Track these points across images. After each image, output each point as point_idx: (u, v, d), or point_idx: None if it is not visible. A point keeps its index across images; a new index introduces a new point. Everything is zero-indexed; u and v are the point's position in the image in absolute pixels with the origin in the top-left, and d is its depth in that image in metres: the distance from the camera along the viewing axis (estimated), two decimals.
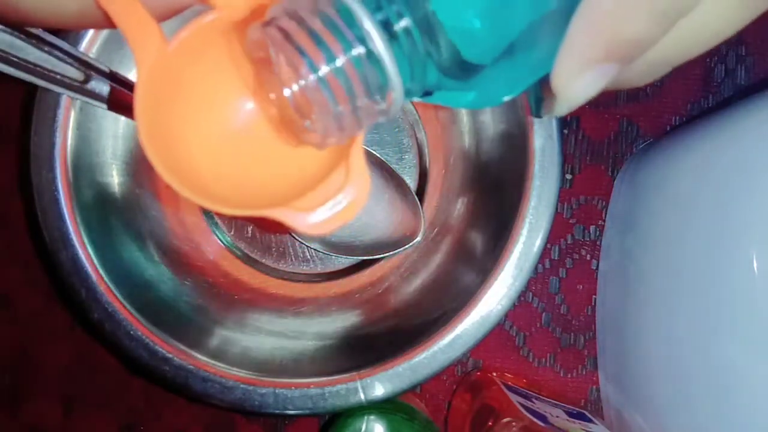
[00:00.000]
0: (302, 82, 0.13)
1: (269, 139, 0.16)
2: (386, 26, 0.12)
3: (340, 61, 0.12)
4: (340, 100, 0.13)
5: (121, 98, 0.22)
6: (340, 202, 0.15)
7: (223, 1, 0.14)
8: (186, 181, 0.15)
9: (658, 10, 0.13)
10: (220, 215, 0.34)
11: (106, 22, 0.14)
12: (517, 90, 0.15)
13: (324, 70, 0.12)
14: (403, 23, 0.13)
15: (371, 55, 0.12)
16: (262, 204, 0.15)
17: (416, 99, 0.14)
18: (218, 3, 0.14)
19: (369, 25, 0.12)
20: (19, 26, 0.16)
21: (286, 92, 0.13)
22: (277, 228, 0.32)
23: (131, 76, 0.30)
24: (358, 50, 0.12)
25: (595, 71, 0.14)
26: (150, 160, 0.14)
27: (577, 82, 0.14)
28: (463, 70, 0.14)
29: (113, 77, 0.22)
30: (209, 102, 0.16)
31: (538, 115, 0.16)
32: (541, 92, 0.16)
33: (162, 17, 0.15)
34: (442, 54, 0.13)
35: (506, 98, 0.15)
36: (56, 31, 0.20)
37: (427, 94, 0.14)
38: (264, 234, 0.35)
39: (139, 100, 0.14)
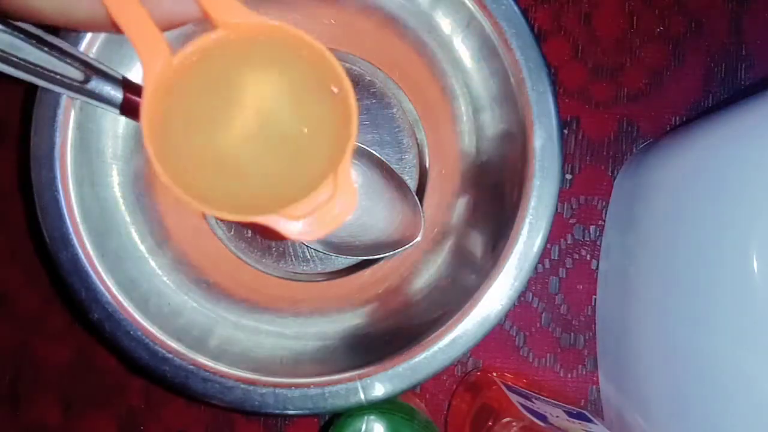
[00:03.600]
0: None
1: (264, 154, 0.17)
2: None
3: None
4: None
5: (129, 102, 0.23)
6: (327, 213, 0.16)
7: (224, 21, 0.15)
8: (185, 186, 0.16)
9: None
10: (220, 218, 0.34)
11: (114, 28, 0.15)
12: None
13: None
14: None
15: None
16: (255, 211, 0.16)
17: None
18: (220, 22, 0.15)
19: None
20: (26, 22, 0.16)
21: None
22: (274, 235, 0.32)
23: (131, 76, 0.30)
24: None
25: None
26: (152, 164, 0.15)
27: None
28: None
29: (123, 82, 0.22)
30: (207, 115, 0.17)
31: None
32: None
33: (164, 29, 0.15)
34: None
35: None
36: (56, 31, 0.20)
37: None
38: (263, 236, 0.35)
39: (146, 108, 0.15)
